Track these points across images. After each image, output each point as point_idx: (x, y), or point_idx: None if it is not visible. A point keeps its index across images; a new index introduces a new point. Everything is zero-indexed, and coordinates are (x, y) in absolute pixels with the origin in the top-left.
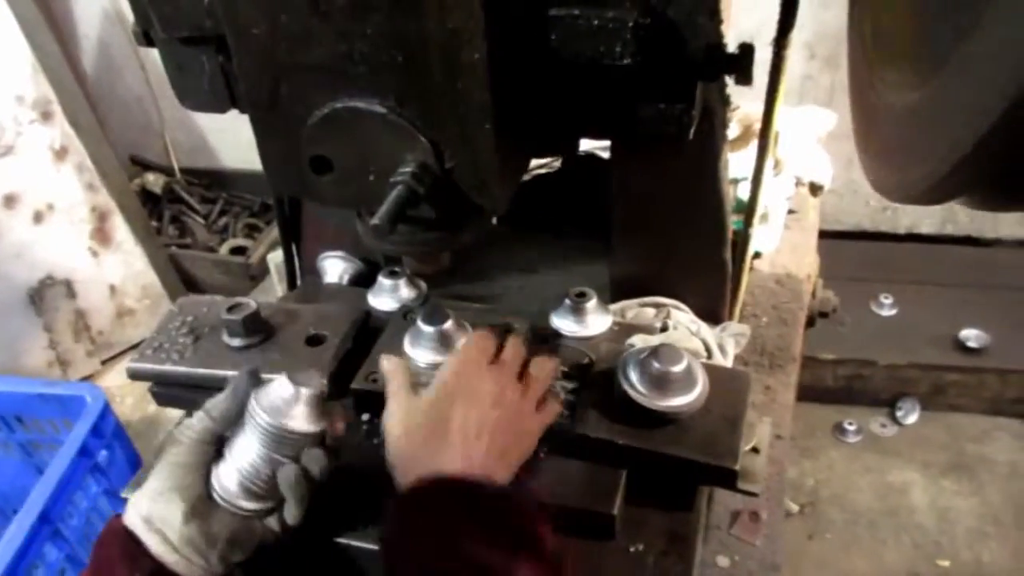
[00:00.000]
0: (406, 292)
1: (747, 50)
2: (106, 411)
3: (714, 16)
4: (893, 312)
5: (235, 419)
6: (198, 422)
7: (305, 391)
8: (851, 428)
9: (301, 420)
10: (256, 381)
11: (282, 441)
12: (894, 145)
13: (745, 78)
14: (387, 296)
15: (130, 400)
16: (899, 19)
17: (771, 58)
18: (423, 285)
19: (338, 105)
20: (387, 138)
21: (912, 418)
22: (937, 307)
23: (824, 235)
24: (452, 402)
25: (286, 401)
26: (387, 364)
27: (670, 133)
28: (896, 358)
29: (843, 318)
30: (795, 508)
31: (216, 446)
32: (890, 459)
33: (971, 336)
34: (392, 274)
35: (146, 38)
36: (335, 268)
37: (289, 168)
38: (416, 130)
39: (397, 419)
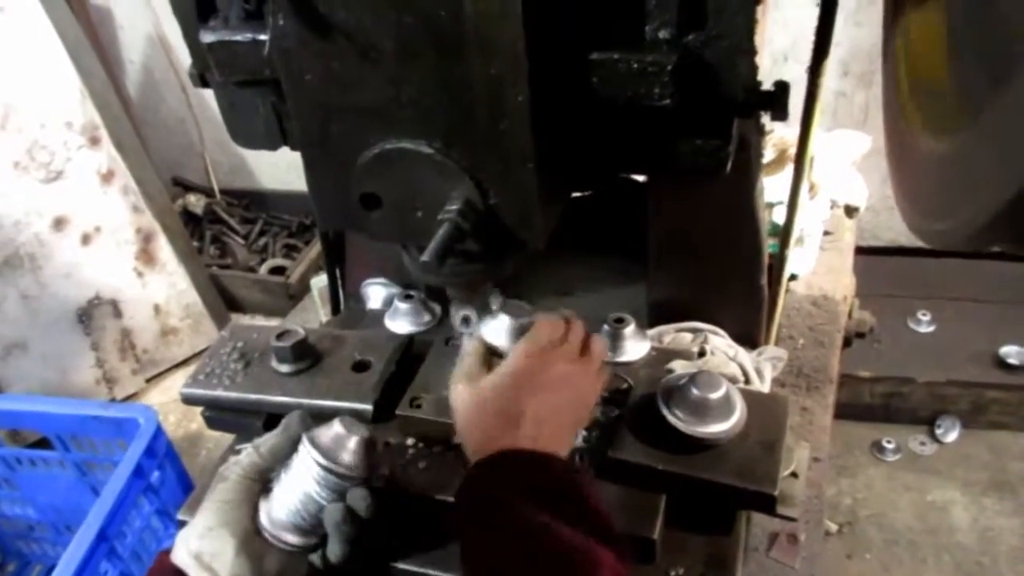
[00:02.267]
0: (421, 315)
1: (782, 87)
2: (159, 433)
3: (749, 55)
4: (931, 329)
5: (283, 457)
6: (246, 458)
7: (355, 436)
8: (890, 446)
9: (349, 462)
10: (307, 422)
11: (330, 479)
12: (930, 191)
13: (781, 114)
14: (403, 319)
15: (172, 418)
16: (933, 61)
17: (806, 86)
18: (437, 309)
19: (387, 145)
20: (434, 177)
21: (952, 436)
22: (976, 323)
23: (860, 251)
24: (524, 385)
25: (337, 442)
26: (466, 344)
27: (708, 168)
28: (935, 375)
29: (880, 335)
30: (833, 528)
31: (263, 482)
32: (930, 478)
33: (1011, 353)
34: (407, 298)
35: (202, 80)
36: (378, 294)
37: (338, 203)
38: (461, 169)
39: (465, 393)
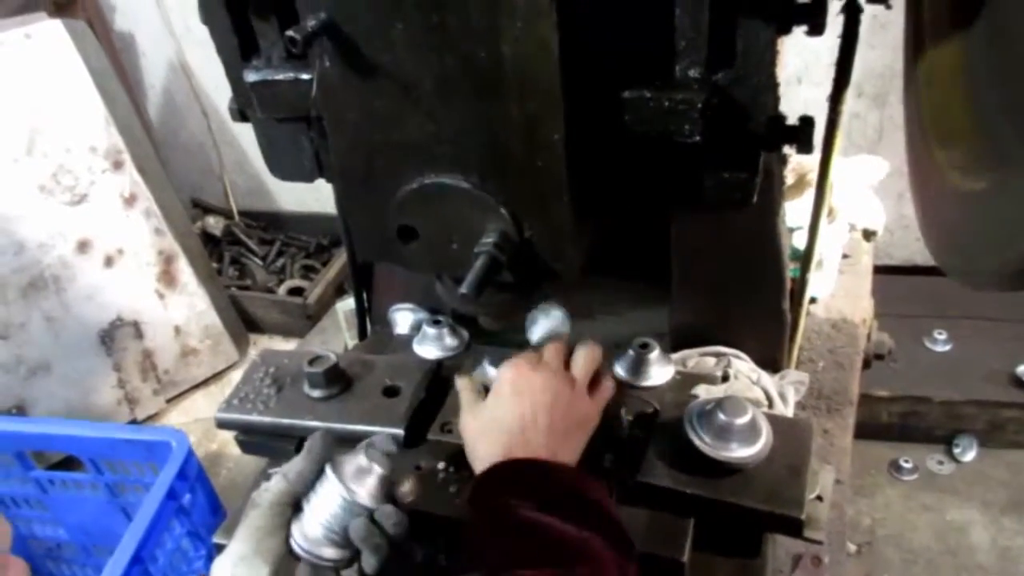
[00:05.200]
0: (449, 340)
1: (807, 122)
2: (190, 456)
3: (774, 91)
4: (947, 348)
5: (312, 480)
6: (275, 485)
7: (379, 469)
8: (907, 466)
9: (372, 495)
10: (329, 442)
11: (354, 506)
12: (957, 232)
13: (806, 147)
14: (431, 344)
15: (193, 438)
16: (955, 100)
17: (826, 116)
18: (465, 334)
19: (425, 180)
20: (470, 210)
21: (970, 455)
22: (992, 342)
23: (875, 270)
24: (507, 398)
25: (360, 474)
26: (458, 382)
27: (735, 200)
28: (952, 394)
29: (896, 355)
30: (852, 548)
31: (295, 505)
32: (948, 497)
33: None
34: (436, 323)
35: (241, 115)
36: (405, 320)
37: (376, 236)
38: (497, 203)
39: (467, 422)
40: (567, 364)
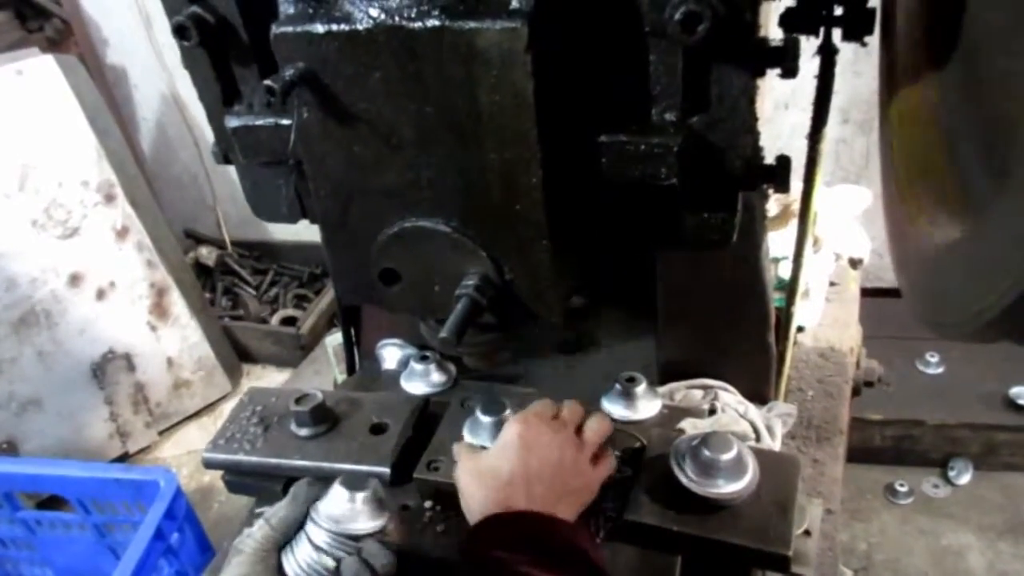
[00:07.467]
0: (437, 376)
1: (784, 162)
2: (178, 495)
3: (751, 134)
4: (940, 370)
5: (295, 526)
6: (259, 531)
7: (360, 494)
8: (902, 489)
9: (359, 522)
10: (315, 488)
11: (344, 542)
12: (931, 280)
13: (782, 187)
14: (419, 380)
15: (185, 471)
16: (928, 144)
17: (807, 151)
18: (453, 369)
19: (406, 224)
20: (451, 254)
21: (965, 478)
22: (985, 364)
23: (867, 293)
24: (515, 451)
25: (343, 507)
26: (455, 448)
27: (714, 240)
28: (945, 417)
29: (889, 378)
30: (849, 573)
31: (278, 551)
32: (944, 521)
33: (1021, 394)
34: (423, 359)
35: (225, 158)
36: (393, 355)
37: (359, 278)
38: (477, 247)
39: (466, 468)
40: (578, 429)
